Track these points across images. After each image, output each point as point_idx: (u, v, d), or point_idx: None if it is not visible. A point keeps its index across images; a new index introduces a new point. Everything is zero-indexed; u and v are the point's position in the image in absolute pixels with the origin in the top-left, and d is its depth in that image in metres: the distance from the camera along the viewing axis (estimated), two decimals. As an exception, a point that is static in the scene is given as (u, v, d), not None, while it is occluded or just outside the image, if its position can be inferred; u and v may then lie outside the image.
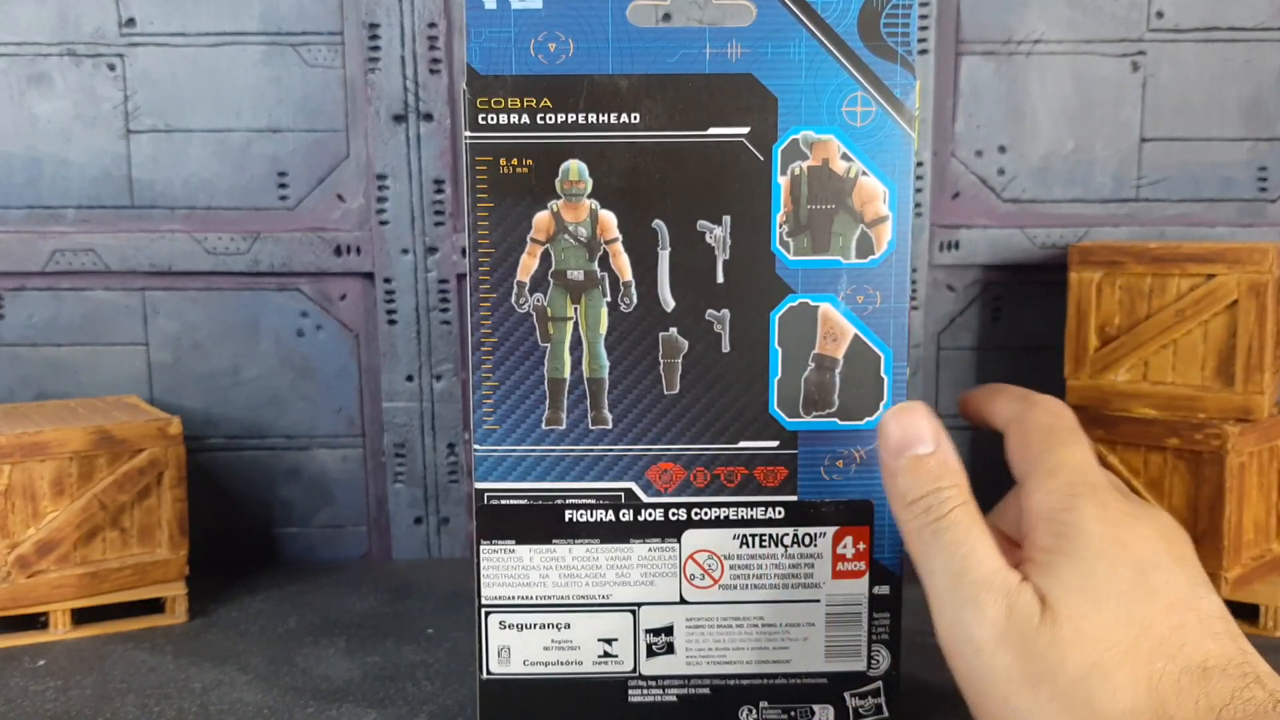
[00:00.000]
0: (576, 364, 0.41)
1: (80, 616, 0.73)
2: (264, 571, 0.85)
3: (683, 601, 0.44)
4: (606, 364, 0.42)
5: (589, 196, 0.40)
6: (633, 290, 0.42)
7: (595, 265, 0.41)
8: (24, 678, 0.65)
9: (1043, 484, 0.37)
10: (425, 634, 0.70)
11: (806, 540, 0.45)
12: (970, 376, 0.89)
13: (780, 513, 0.44)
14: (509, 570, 0.42)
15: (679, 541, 0.44)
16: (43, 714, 0.60)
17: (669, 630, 0.44)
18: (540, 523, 0.42)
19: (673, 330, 0.42)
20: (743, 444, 0.44)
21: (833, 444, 0.44)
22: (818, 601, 0.45)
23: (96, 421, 0.74)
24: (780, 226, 0.42)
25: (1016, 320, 0.89)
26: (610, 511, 0.43)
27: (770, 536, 0.44)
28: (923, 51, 0.85)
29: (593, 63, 0.39)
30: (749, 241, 0.42)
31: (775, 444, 0.44)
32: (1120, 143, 0.87)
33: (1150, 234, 0.87)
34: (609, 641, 0.44)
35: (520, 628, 0.43)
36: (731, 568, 0.44)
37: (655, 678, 0.45)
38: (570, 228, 0.40)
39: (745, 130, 0.41)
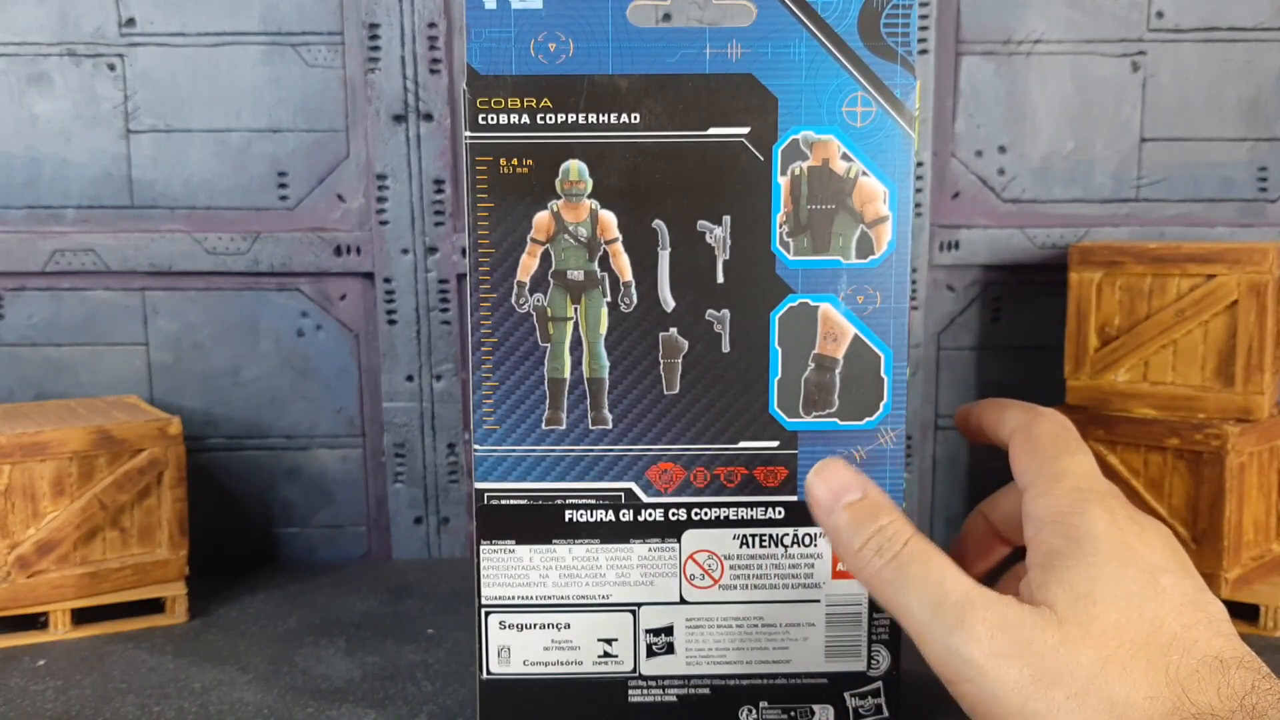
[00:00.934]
0: (576, 364, 0.41)
1: (80, 616, 0.73)
2: (264, 571, 0.85)
3: (683, 602, 0.44)
4: (606, 364, 0.42)
5: (589, 196, 0.40)
6: (633, 290, 0.42)
7: (595, 265, 0.41)
8: (24, 678, 0.65)
9: (1050, 489, 0.38)
10: (425, 634, 0.70)
11: (806, 540, 0.45)
12: (970, 376, 0.89)
13: (780, 513, 0.44)
14: (509, 570, 0.42)
15: (679, 542, 0.44)
16: (43, 714, 0.60)
17: (669, 630, 0.44)
18: (540, 523, 0.42)
19: (673, 330, 0.42)
20: (743, 444, 0.43)
21: (833, 444, 0.45)
22: (818, 602, 0.45)
23: (96, 421, 0.74)
24: (780, 226, 0.42)
25: (1016, 320, 0.89)
26: (610, 512, 0.43)
27: (770, 537, 0.44)
28: (923, 51, 0.85)
29: (593, 63, 0.39)
30: (749, 241, 0.42)
31: (775, 444, 0.44)
32: (1120, 143, 0.87)
33: (1150, 234, 0.87)
34: (609, 641, 0.44)
35: (520, 628, 0.43)
36: (731, 568, 0.44)
37: (655, 678, 0.45)
38: (570, 228, 0.40)
39: (745, 130, 0.41)
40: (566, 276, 0.40)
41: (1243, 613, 0.74)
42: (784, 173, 0.42)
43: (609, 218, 0.41)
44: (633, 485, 0.43)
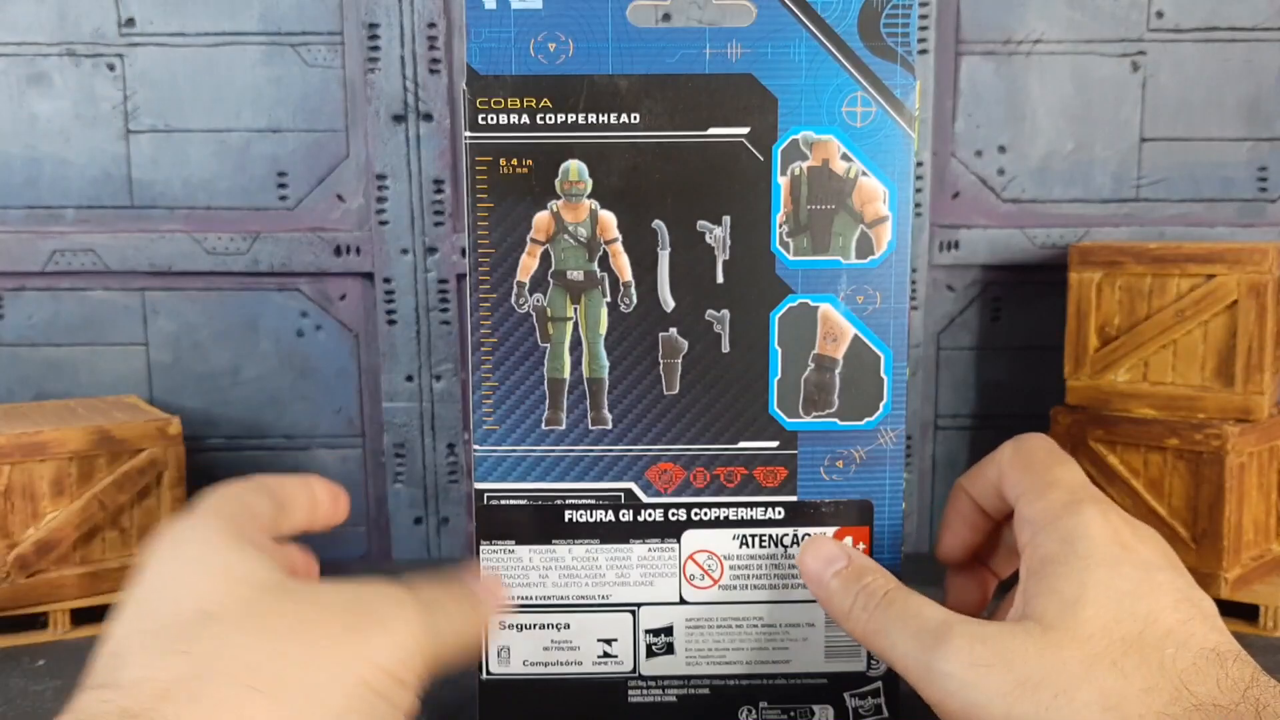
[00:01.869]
0: (576, 364, 0.41)
1: (80, 616, 0.73)
2: (264, 571, 0.85)
3: (682, 602, 0.44)
4: (606, 364, 0.42)
5: (589, 196, 0.40)
6: (633, 290, 0.42)
7: (595, 265, 0.41)
8: (24, 678, 0.65)
9: (1044, 494, 0.38)
10: (425, 634, 0.70)
11: (805, 541, 0.45)
12: (970, 376, 0.89)
13: (780, 513, 0.44)
14: (509, 570, 0.42)
15: (679, 542, 0.44)
16: (43, 714, 0.60)
17: (669, 630, 0.44)
18: (540, 523, 0.42)
19: (672, 330, 0.42)
20: (742, 444, 0.44)
21: (832, 444, 0.45)
22: (816, 602, 0.46)
23: (96, 421, 0.74)
24: (780, 227, 0.42)
25: (1016, 320, 0.89)
26: (610, 512, 0.43)
27: (770, 537, 0.44)
28: (923, 51, 0.85)
29: (593, 63, 0.39)
30: (749, 241, 0.42)
31: (775, 444, 0.44)
32: (1120, 143, 0.87)
33: (1150, 234, 0.87)
34: (609, 642, 0.44)
35: (520, 628, 0.43)
36: (731, 568, 0.44)
37: (655, 678, 0.45)
38: (570, 228, 0.40)
39: (745, 130, 0.41)
40: (566, 276, 0.40)
41: (1243, 613, 0.74)
42: (784, 173, 0.42)
43: (609, 218, 0.41)
44: (632, 485, 0.43)
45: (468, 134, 0.38)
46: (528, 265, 0.40)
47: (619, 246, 0.41)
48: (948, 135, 0.86)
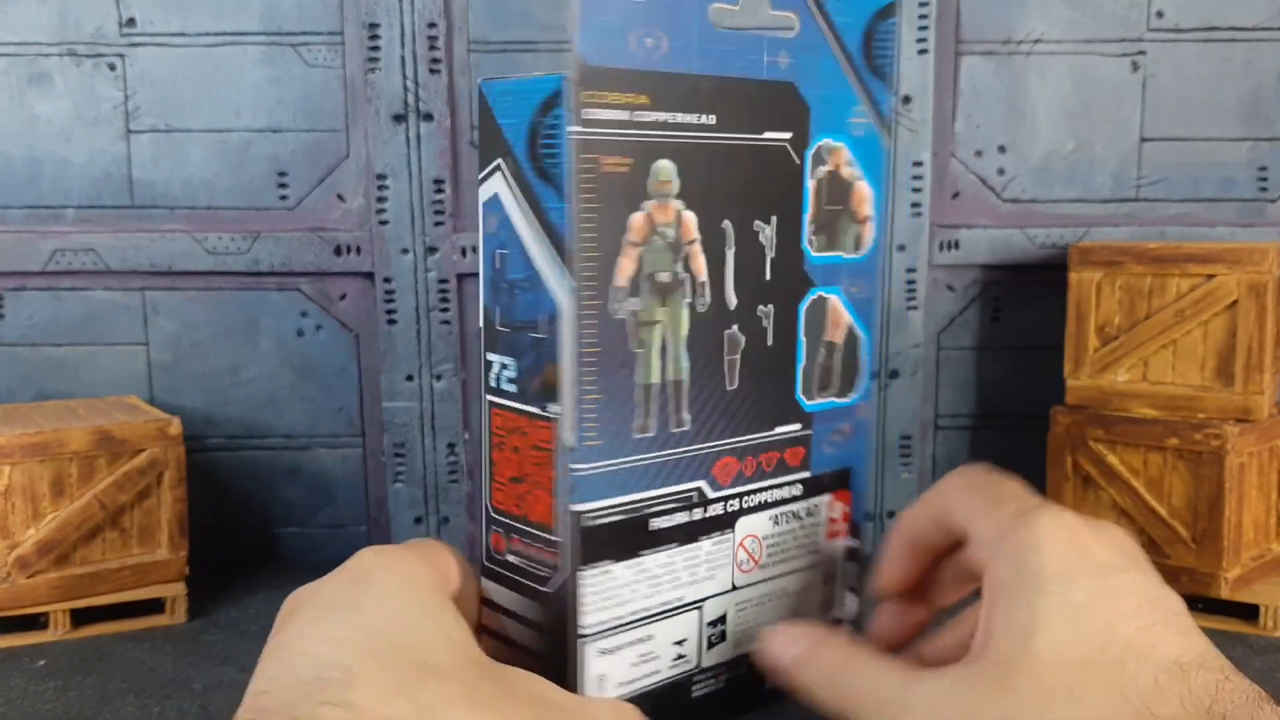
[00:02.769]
0: (662, 368, 0.41)
1: (80, 616, 0.73)
2: (264, 571, 0.85)
3: (734, 589, 0.45)
4: (687, 365, 0.42)
5: (675, 197, 0.40)
6: (706, 290, 0.42)
7: (679, 267, 0.41)
8: (24, 678, 0.65)
9: (993, 512, 0.37)
10: (425, 634, 0.70)
11: (814, 510, 0.47)
12: (970, 376, 0.89)
13: (799, 489, 0.46)
14: (607, 592, 0.41)
15: (733, 531, 0.44)
16: (43, 714, 0.60)
17: (723, 619, 0.45)
18: (630, 536, 0.42)
19: (734, 327, 0.43)
20: (778, 430, 0.45)
21: (832, 421, 0.47)
22: (817, 566, 0.47)
23: (96, 422, 0.74)
24: (808, 225, 0.44)
25: (1016, 320, 0.89)
26: (685, 512, 0.43)
27: (793, 512, 0.46)
28: (922, 51, 0.85)
29: (681, 61, 0.39)
30: (786, 240, 0.44)
31: (799, 426, 0.45)
32: (1120, 143, 0.87)
33: (1150, 234, 0.87)
34: (680, 643, 0.44)
35: (615, 650, 0.43)
36: (769, 548, 0.45)
37: (711, 668, 0.45)
38: (660, 229, 0.40)
39: (788, 136, 0.43)
40: (656, 279, 0.40)
41: (1243, 613, 0.74)
42: (812, 176, 0.44)
43: (690, 218, 0.41)
44: (702, 483, 0.43)
45: (574, 129, 0.37)
46: (625, 268, 0.40)
47: (698, 247, 0.41)
48: (948, 135, 0.86)
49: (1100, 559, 0.34)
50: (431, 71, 0.83)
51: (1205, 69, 0.86)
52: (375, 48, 0.83)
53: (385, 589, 0.33)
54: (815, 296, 0.45)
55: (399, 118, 0.83)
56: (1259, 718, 0.30)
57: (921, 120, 0.85)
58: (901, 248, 0.86)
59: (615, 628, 0.41)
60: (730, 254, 0.43)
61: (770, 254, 0.44)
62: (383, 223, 0.85)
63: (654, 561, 0.42)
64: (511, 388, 0.40)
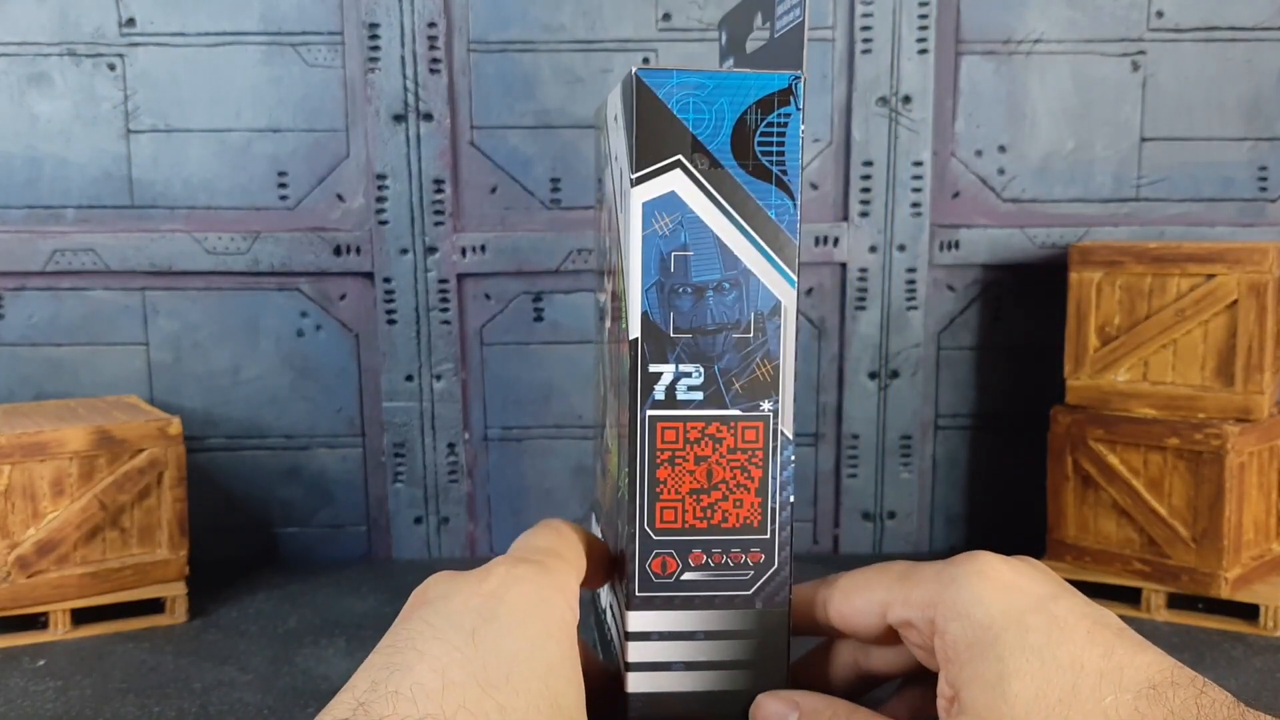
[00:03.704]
0: None
1: (80, 616, 0.73)
2: (264, 571, 0.85)
3: None
4: None
5: None
6: None
7: None
8: (24, 678, 0.65)
9: (919, 584, 0.37)
10: (425, 634, 0.70)
11: None
12: (970, 376, 0.89)
13: None
14: None
15: None
16: (43, 714, 0.60)
17: None
18: None
19: None
20: None
21: None
22: None
23: (96, 421, 0.74)
24: None
25: (1016, 320, 0.89)
26: None
27: None
28: (923, 51, 0.85)
29: None
30: None
31: None
32: (1120, 142, 0.87)
33: (1150, 234, 0.87)
34: None
35: None
36: None
37: None
38: None
39: None
40: None
41: (1243, 612, 0.74)
42: None
43: None
44: None
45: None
46: None
47: None
48: (948, 135, 0.86)
49: (1034, 591, 0.35)
50: (431, 71, 0.83)
51: (1205, 69, 0.86)
52: (375, 48, 0.83)
53: (510, 624, 0.33)
54: None
55: (399, 118, 0.83)
56: None
57: (921, 120, 0.85)
58: (901, 248, 0.86)
59: None
60: None
61: None
62: (382, 223, 0.85)
63: None
64: (696, 395, 0.38)
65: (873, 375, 0.88)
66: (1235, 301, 0.73)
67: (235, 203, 0.85)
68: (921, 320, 0.87)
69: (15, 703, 0.61)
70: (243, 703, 0.61)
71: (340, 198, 0.85)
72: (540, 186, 0.85)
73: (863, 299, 0.87)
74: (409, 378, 0.86)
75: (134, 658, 0.68)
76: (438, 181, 0.84)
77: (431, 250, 0.85)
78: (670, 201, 0.37)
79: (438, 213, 0.84)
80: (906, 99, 0.85)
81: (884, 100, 0.85)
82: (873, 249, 0.86)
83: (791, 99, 0.36)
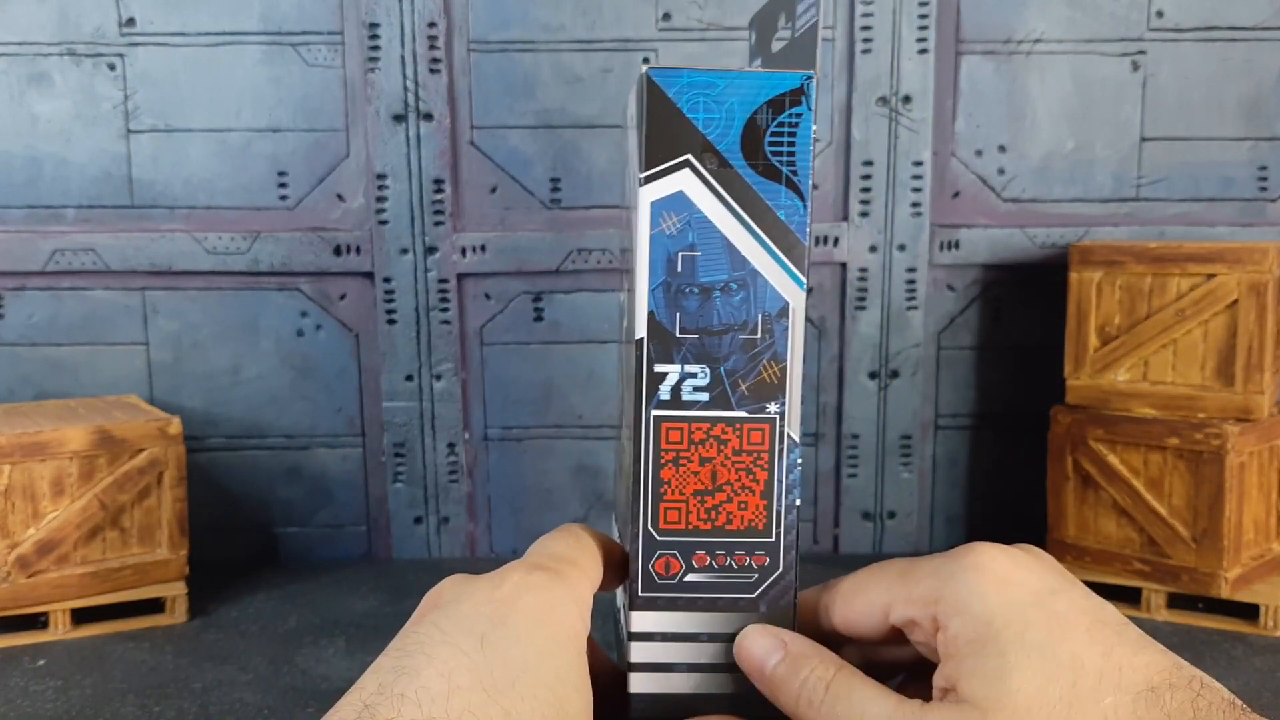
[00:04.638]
0: None
1: (80, 616, 0.73)
2: (264, 571, 0.85)
3: None
4: None
5: None
6: None
7: None
8: (24, 678, 0.65)
9: (912, 572, 0.37)
10: (425, 634, 0.70)
11: None
12: (970, 376, 0.89)
13: None
14: None
15: None
16: (43, 714, 0.60)
17: None
18: None
19: None
20: None
21: None
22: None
23: (96, 421, 0.74)
24: None
25: (1016, 320, 0.89)
26: None
27: None
28: (923, 51, 0.85)
29: None
30: None
31: None
32: (1120, 142, 0.87)
33: (1150, 233, 0.87)
34: None
35: None
36: None
37: None
38: None
39: None
40: None
41: (1243, 612, 0.74)
42: None
43: None
44: None
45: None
46: None
47: None
48: (948, 135, 0.86)
49: (1035, 585, 0.35)
50: (431, 71, 0.83)
51: (1205, 69, 0.86)
52: (375, 48, 0.83)
53: (520, 631, 0.33)
54: None
55: (399, 118, 0.83)
56: None
57: (921, 120, 0.85)
58: (902, 247, 0.86)
59: None
60: None
61: None
62: (382, 223, 0.85)
63: None
64: (701, 396, 0.37)
65: (873, 375, 0.88)
66: (1235, 301, 0.73)
67: (235, 202, 0.85)
68: (921, 320, 0.87)
69: (15, 702, 0.61)
70: (243, 702, 0.61)
71: (340, 198, 0.85)
72: (540, 186, 0.85)
73: (863, 299, 0.87)
74: (409, 377, 0.86)
75: (134, 658, 0.68)
76: (438, 181, 0.84)
77: (431, 250, 0.85)
78: (678, 201, 0.37)
79: (438, 213, 0.84)
80: (906, 99, 0.85)
81: (884, 100, 0.85)
82: (873, 249, 0.86)
83: (803, 99, 0.36)
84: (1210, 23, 0.85)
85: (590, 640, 0.38)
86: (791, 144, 0.37)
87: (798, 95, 0.37)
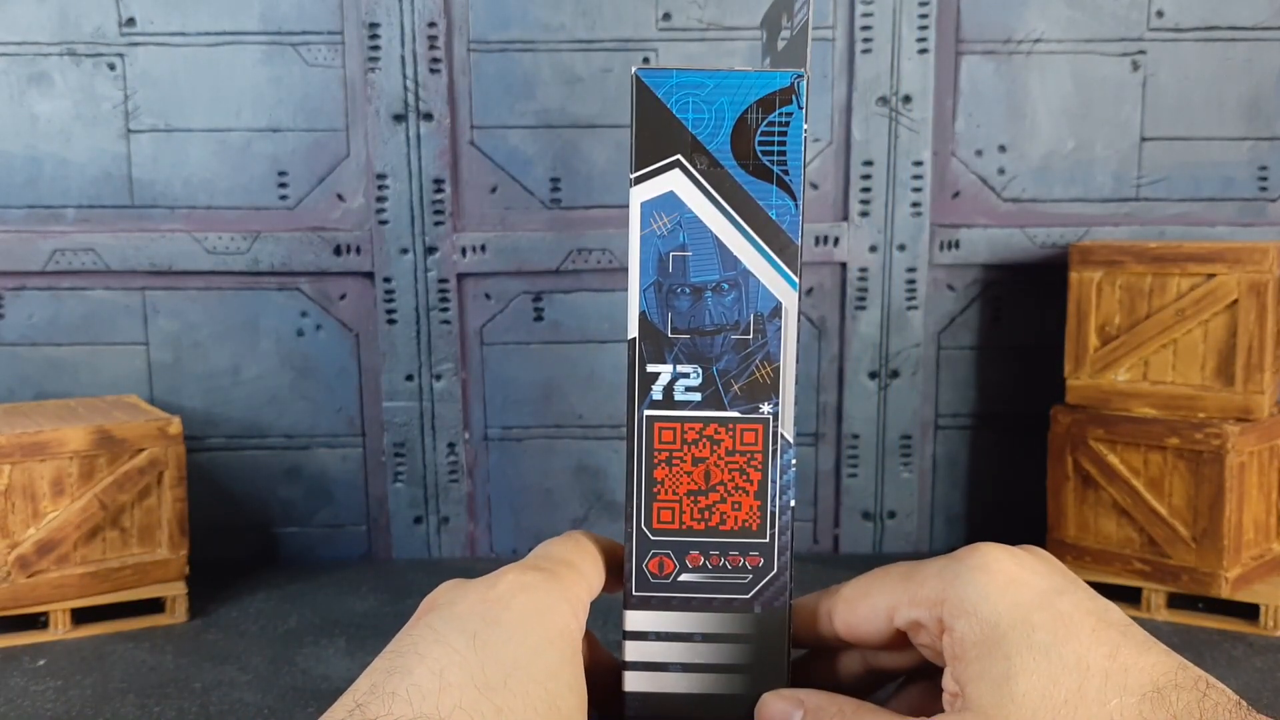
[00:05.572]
0: None
1: (80, 616, 0.73)
2: (264, 571, 0.85)
3: None
4: None
5: None
6: None
7: None
8: (24, 678, 0.65)
9: (917, 574, 0.37)
10: (425, 634, 0.70)
11: None
12: (970, 376, 0.89)
13: None
14: None
15: None
16: (43, 714, 0.60)
17: None
18: None
19: None
20: None
21: None
22: None
23: (96, 421, 0.74)
24: None
25: (1016, 320, 0.89)
26: None
27: None
28: (923, 51, 0.85)
29: None
30: None
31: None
32: (1120, 142, 0.87)
33: (1150, 233, 0.87)
34: None
35: None
36: None
37: None
38: None
39: None
40: None
41: (1243, 612, 0.74)
42: None
43: None
44: None
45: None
46: None
47: None
48: (948, 135, 0.86)
49: (1040, 585, 0.35)
50: (431, 71, 0.83)
51: (1205, 69, 0.86)
52: (375, 47, 0.83)
53: (512, 630, 0.33)
54: None
55: (399, 117, 0.83)
56: None
57: (921, 120, 0.85)
58: (902, 247, 0.86)
59: None
60: None
61: None
62: (383, 222, 0.85)
63: None
64: (693, 396, 0.37)
65: (873, 375, 0.88)
66: (1235, 301, 0.73)
67: (235, 202, 0.85)
68: (921, 320, 0.87)
69: (15, 702, 0.61)
70: (243, 702, 0.61)
71: (340, 197, 0.85)
72: (540, 186, 0.85)
73: (863, 299, 0.87)
74: (409, 377, 0.86)
75: (134, 657, 0.68)
76: (438, 181, 0.84)
77: (431, 250, 0.85)
78: (668, 201, 0.37)
79: (438, 212, 0.84)
80: (906, 99, 0.85)
81: (884, 100, 0.85)
82: (873, 249, 0.86)
83: (794, 98, 0.36)
84: (1210, 23, 0.85)
85: (591, 638, 0.38)
86: (782, 143, 0.37)
87: (788, 94, 0.37)
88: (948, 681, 0.35)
